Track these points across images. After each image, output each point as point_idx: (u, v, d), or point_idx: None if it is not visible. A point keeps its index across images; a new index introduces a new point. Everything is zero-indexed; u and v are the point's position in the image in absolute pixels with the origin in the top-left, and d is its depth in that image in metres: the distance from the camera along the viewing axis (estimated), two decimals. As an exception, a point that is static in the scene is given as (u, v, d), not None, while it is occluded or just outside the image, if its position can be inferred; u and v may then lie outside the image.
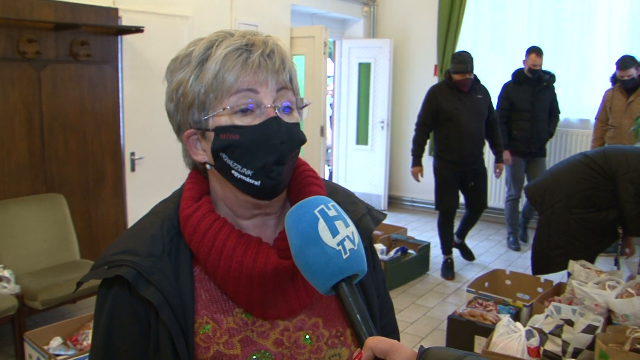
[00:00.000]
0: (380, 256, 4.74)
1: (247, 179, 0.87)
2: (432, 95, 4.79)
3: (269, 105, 0.87)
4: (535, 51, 5.40)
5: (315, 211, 0.78)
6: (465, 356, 0.72)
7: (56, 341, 3.06)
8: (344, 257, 0.75)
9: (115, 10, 4.28)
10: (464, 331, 3.43)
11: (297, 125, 0.91)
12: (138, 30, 4.22)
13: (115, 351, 0.88)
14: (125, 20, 4.39)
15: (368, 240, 1.02)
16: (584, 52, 6.18)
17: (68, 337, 3.15)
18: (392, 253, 4.83)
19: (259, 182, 0.87)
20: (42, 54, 3.85)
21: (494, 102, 5.17)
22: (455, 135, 4.71)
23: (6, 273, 3.43)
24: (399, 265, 4.73)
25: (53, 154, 4.02)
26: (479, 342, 3.33)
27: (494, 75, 6.57)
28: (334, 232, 0.76)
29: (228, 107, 0.85)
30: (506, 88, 5.61)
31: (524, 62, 5.50)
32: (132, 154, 4.65)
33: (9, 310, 3.28)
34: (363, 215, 0.99)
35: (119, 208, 4.46)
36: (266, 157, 0.86)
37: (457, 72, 4.63)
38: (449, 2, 6.71)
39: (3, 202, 3.73)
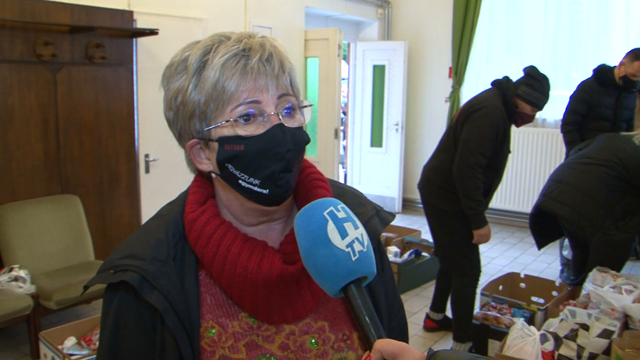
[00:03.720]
0: (393, 259, 4.72)
1: (255, 188, 0.87)
2: (502, 122, 3.19)
3: (272, 113, 0.85)
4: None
5: (325, 213, 0.77)
6: (474, 359, 0.71)
7: (70, 341, 3.09)
8: (353, 259, 0.75)
9: (130, 13, 4.32)
10: (477, 334, 3.40)
11: (300, 128, 0.90)
12: (152, 32, 4.25)
13: (120, 355, 0.88)
14: (140, 23, 4.43)
15: (376, 242, 1.01)
16: (601, 54, 6.11)
17: (82, 337, 3.17)
18: (405, 256, 4.81)
19: (267, 190, 0.86)
20: (58, 56, 3.89)
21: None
22: (495, 185, 3.39)
23: (22, 273, 3.47)
24: (413, 268, 4.70)
25: (68, 156, 4.06)
26: (493, 346, 3.30)
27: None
28: (343, 234, 0.75)
29: (231, 119, 0.84)
30: (585, 87, 4.58)
31: (621, 64, 4.45)
32: (147, 155, 4.69)
33: (25, 309, 3.32)
34: (371, 217, 0.98)
35: (133, 209, 4.49)
36: (273, 166, 0.85)
37: (537, 104, 3.18)
38: (464, 4, 6.67)
39: (19, 203, 3.78)
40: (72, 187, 4.10)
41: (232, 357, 0.88)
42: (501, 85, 3.25)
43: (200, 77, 0.85)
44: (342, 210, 0.78)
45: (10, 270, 3.49)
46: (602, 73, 4.56)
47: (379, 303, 1.00)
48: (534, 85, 3.15)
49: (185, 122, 0.89)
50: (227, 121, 0.85)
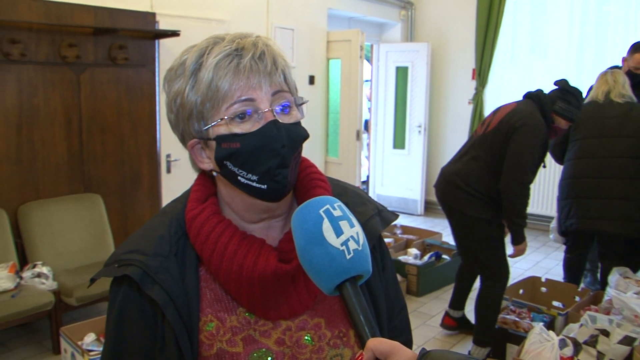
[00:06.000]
0: (414, 261, 4.69)
1: (254, 184, 0.88)
2: (546, 137, 3.18)
3: (266, 110, 0.87)
4: None
5: (321, 211, 0.78)
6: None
7: (90, 337, 3.13)
8: (348, 257, 0.75)
9: (153, 14, 4.38)
10: (496, 338, 3.36)
11: (297, 124, 0.91)
12: (174, 34, 4.30)
13: (124, 348, 0.91)
14: (162, 25, 4.49)
15: (377, 241, 1.02)
16: (629, 55, 5.99)
17: (101, 333, 3.21)
18: (426, 258, 4.78)
19: (265, 185, 0.88)
20: (81, 58, 3.97)
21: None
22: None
23: (44, 270, 3.55)
24: (433, 271, 4.67)
25: (91, 155, 4.13)
26: (511, 350, 3.26)
27: (533, 80, 6.42)
28: (338, 232, 0.76)
29: (226, 117, 0.86)
30: None
31: (624, 60, 4.27)
32: (168, 155, 4.74)
33: (47, 305, 3.40)
34: (372, 216, 0.98)
35: (154, 209, 4.55)
36: (269, 161, 0.87)
37: (573, 119, 3.18)
38: (488, 6, 6.61)
39: (43, 201, 3.86)
40: (95, 186, 4.17)
41: (229, 351, 0.90)
42: (539, 100, 3.19)
43: (196, 78, 0.88)
44: (338, 208, 0.79)
45: (34, 266, 3.57)
46: None
47: (378, 302, 1.00)
48: (571, 101, 3.12)
49: (185, 123, 0.91)
50: (222, 119, 0.86)
